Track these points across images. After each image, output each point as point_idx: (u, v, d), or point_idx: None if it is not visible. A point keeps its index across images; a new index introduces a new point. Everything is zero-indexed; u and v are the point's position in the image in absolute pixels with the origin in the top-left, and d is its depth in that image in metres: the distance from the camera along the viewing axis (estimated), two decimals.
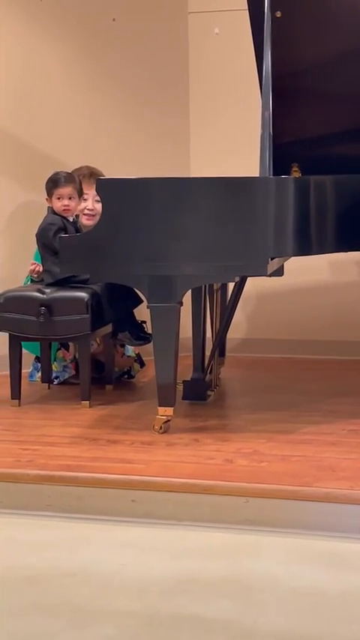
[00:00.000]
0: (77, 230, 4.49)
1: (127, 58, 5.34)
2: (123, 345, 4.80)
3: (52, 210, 4.47)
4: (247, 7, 4.04)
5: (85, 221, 4.71)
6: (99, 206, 4.47)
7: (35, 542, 3.09)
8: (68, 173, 4.55)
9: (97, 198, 4.47)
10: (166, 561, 2.91)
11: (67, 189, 4.45)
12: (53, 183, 4.45)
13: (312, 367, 5.18)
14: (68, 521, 3.22)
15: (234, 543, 3.04)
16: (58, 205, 4.45)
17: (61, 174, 4.49)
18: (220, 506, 3.18)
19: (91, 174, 4.74)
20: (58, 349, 4.77)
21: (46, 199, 4.49)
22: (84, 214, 4.73)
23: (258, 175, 3.79)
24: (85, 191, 4.62)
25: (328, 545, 2.99)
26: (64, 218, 4.45)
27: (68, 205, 4.46)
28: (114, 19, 5.30)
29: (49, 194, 4.46)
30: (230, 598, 2.66)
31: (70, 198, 4.46)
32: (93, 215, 4.71)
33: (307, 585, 2.73)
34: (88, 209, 4.74)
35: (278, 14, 3.98)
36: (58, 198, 4.45)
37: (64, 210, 4.45)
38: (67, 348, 4.78)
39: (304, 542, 3.03)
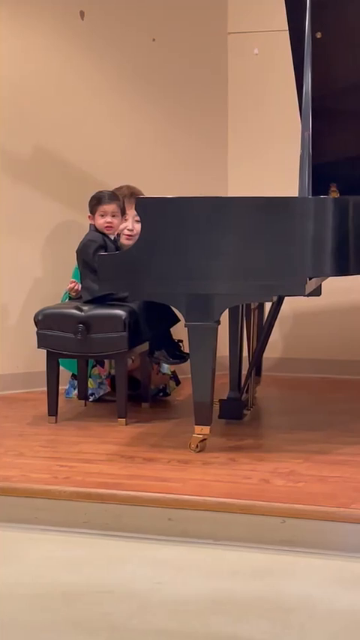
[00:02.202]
0: (117, 248, 4.51)
1: (167, 78, 5.38)
2: (158, 363, 4.81)
3: (94, 228, 4.50)
4: (287, 28, 4.06)
5: (124, 241, 4.72)
6: (139, 226, 4.49)
7: (72, 558, 3.09)
8: (112, 192, 4.58)
9: (138, 218, 4.48)
10: (202, 580, 2.90)
11: (110, 207, 4.48)
12: (97, 201, 4.49)
13: (348, 387, 5.15)
14: (105, 539, 3.22)
15: (270, 563, 3.03)
16: (100, 222, 4.48)
17: (105, 193, 4.53)
18: (256, 526, 3.17)
19: (132, 193, 4.75)
20: (94, 366, 4.79)
21: (89, 217, 4.52)
22: (124, 234, 4.74)
23: (297, 195, 3.80)
24: (125, 211, 4.65)
25: None
26: (106, 236, 4.47)
27: (111, 222, 4.49)
28: (154, 40, 5.35)
29: (92, 211, 4.50)
30: (267, 619, 2.64)
31: (113, 216, 4.49)
32: (132, 235, 4.71)
33: (343, 607, 2.72)
34: (128, 229, 4.74)
35: (318, 35, 3.99)
36: (102, 215, 4.48)
37: (107, 227, 4.48)
38: (102, 365, 4.79)
39: (341, 563, 3.01)
